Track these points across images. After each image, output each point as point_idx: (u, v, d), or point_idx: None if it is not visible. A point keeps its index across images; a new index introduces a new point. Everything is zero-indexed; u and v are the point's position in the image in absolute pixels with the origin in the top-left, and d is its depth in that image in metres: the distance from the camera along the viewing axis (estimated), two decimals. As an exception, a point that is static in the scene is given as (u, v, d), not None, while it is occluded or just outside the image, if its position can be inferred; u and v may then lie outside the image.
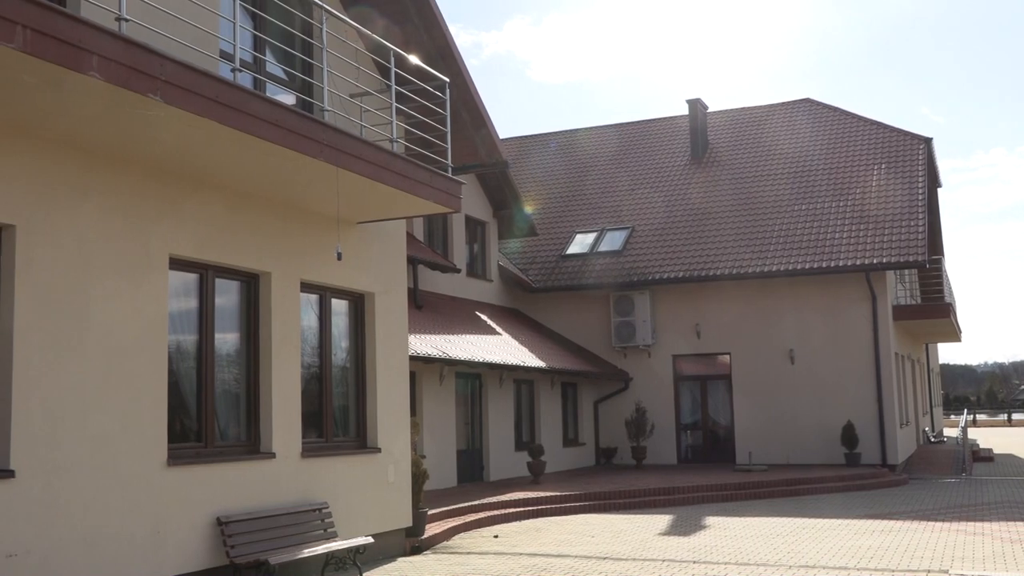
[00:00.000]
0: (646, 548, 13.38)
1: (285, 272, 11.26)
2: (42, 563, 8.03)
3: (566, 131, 35.97)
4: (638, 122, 35.05)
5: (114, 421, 8.83)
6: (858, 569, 11.25)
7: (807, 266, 25.24)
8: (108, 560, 8.66)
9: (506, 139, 35.00)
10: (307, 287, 11.81)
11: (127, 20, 7.59)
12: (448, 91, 12.39)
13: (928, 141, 28.95)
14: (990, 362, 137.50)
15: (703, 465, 26.18)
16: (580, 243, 29.31)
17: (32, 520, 7.96)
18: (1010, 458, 31.33)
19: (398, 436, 13.28)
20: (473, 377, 22.57)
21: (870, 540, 13.61)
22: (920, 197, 26.53)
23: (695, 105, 32.15)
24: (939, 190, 34.77)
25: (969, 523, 15.37)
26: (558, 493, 19.07)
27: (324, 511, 11.39)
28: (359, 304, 12.96)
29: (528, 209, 29.84)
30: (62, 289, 8.42)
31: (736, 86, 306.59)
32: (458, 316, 23.43)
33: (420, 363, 18.81)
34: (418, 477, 13.82)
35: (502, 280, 27.99)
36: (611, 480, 21.99)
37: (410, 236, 21.25)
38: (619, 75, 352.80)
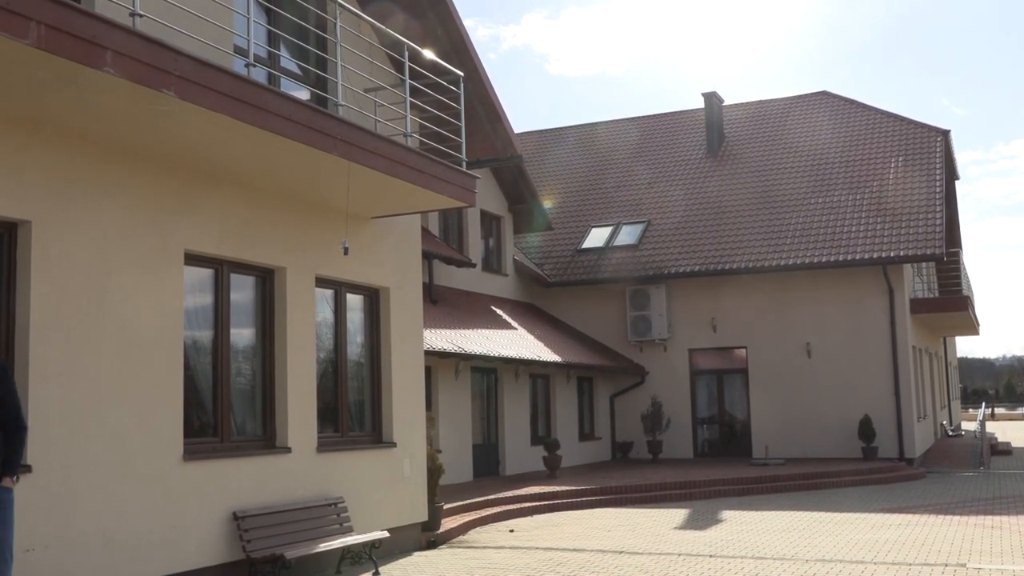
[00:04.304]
0: (662, 542, 13.36)
1: (300, 267, 11.27)
2: (59, 558, 8.07)
3: (582, 125, 35.95)
4: (654, 116, 34.98)
5: (130, 416, 8.86)
6: (875, 563, 11.21)
7: (824, 259, 25.15)
8: (125, 555, 8.69)
9: (522, 133, 34.95)
10: (322, 282, 11.82)
11: (141, 16, 7.60)
12: (463, 85, 12.37)
13: (946, 133, 28.79)
14: (1008, 355, 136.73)
15: (719, 459, 26.14)
16: (596, 237, 29.27)
17: (49, 515, 8.00)
18: (1029, 452, 31.16)
19: (414, 431, 13.29)
20: (489, 372, 22.58)
21: (887, 534, 13.55)
22: (938, 190, 26.39)
23: (711, 99, 32.06)
24: (958, 182, 34.61)
25: (987, 517, 15.29)
26: (574, 487, 19.07)
27: (340, 505, 11.41)
28: (374, 299, 12.97)
29: (549, 201, 29.94)
30: (78, 285, 8.45)
31: (754, 78, 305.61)
32: (473, 311, 23.44)
33: (436, 358, 18.82)
34: (434, 472, 13.83)
35: (518, 275, 27.98)
36: (627, 474, 21.97)
37: (425, 231, 21.27)
38: (636, 68, 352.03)
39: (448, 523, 14.49)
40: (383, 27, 11.41)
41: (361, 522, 11.73)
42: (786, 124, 31.76)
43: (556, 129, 36.05)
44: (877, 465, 22.96)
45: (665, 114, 34.94)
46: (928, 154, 28.09)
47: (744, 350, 26.82)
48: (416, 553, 12.86)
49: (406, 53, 11.37)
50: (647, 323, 27.12)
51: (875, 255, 24.68)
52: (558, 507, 17.81)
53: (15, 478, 6.42)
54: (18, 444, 6.52)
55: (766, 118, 32.45)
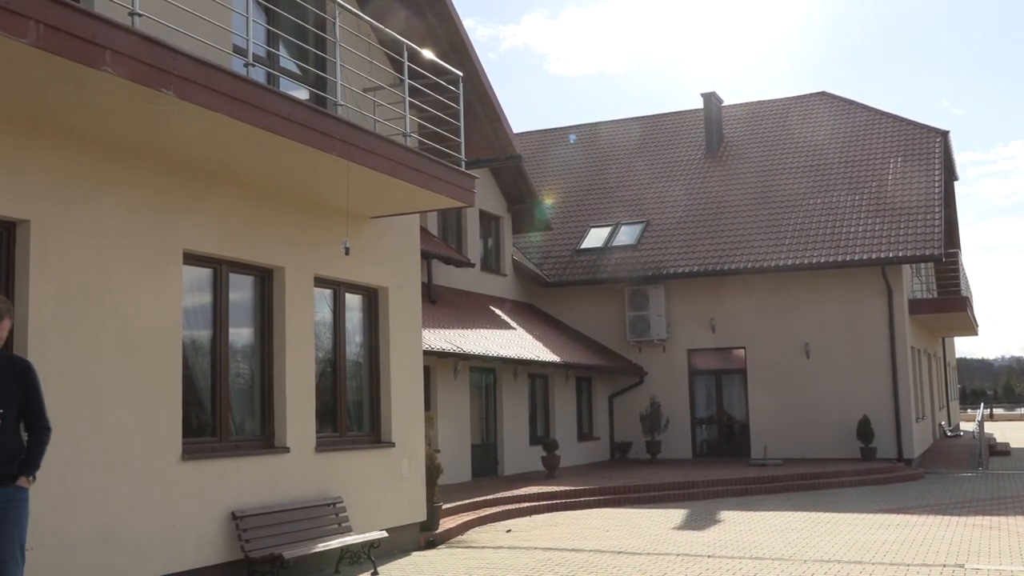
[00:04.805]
0: (661, 542, 13.37)
1: (299, 267, 11.27)
2: (58, 557, 8.07)
3: (581, 125, 35.94)
4: (653, 116, 34.98)
5: (129, 416, 8.86)
6: (873, 564, 11.21)
7: (823, 260, 25.15)
8: (124, 554, 8.69)
9: (522, 133, 34.96)
10: (321, 282, 11.82)
11: (140, 15, 7.60)
12: (462, 85, 12.37)
13: (945, 134, 28.81)
14: (1007, 356, 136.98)
15: (718, 459, 26.14)
16: (595, 237, 29.27)
17: (48, 514, 7.99)
18: (1027, 452, 31.18)
19: (412, 430, 13.29)
20: (487, 371, 22.58)
21: (885, 534, 13.56)
22: (937, 190, 26.40)
23: (710, 99, 32.07)
24: (957, 183, 34.64)
25: (985, 517, 15.30)
26: (573, 487, 19.07)
27: (338, 505, 11.41)
28: (373, 299, 12.96)
29: (549, 201, 30.00)
30: (77, 284, 8.45)
31: (753, 79, 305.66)
32: (472, 311, 23.44)
33: (434, 358, 18.82)
34: (432, 471, 13.83)
35: (516, 275, 27.98)
36: (626, 474, 21.97)
37: (424, 231, 21.27)
38: (636, 68, 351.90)
39: (446, 523, 14.49)
40: (382, 27, 11.42)
41: (360, 522, 11.73)
42: (785, 124, 31.76)
43: (555, 129, 36.03)
44: (876, 465, 22.96)
45: (664, 114, 34.94)
46: (927, 155, 28.10)
47: (743, 350, 26.82)
48: (415, 553, 12.86)
49: (405, 53, 11.37)
50: (646, 323, 27.13)
51: (874, 255, 24.68)
52: (557, 507, 17.81)
53: (30, 478, 6.40)
54: (40, 445, 6.49)
55: (765, 118, 32.46)
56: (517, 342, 22.85)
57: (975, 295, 40.22)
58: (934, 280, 34.23)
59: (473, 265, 24.44)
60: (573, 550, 12.83)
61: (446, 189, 11.46)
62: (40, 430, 6.48)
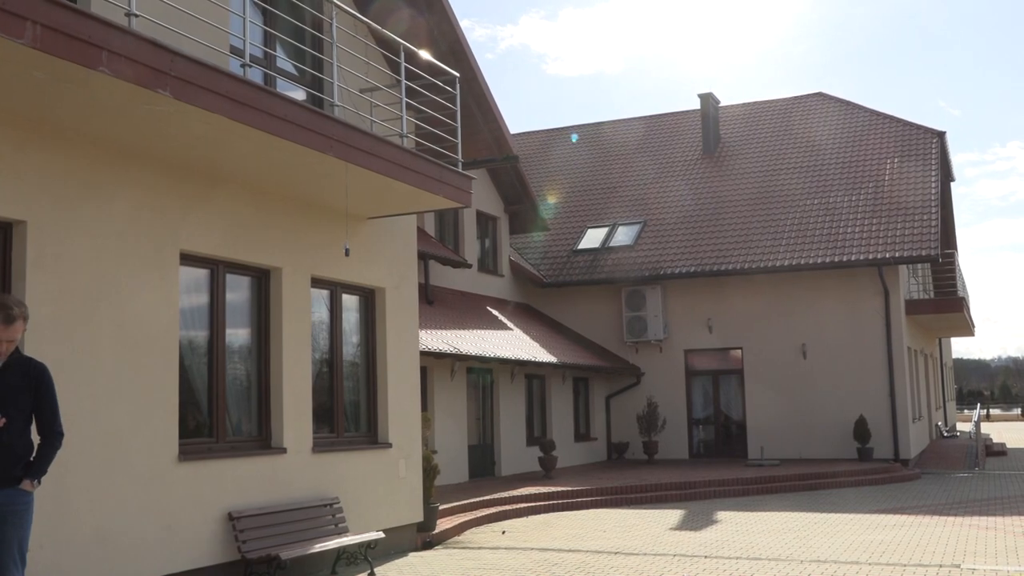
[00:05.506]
0: (657, 543, 13.38)
1: (296, 267, 11.27)
2: (55, 557, 8.07)
3: (579, 125, 35.95)
4: (650, 116, 35.00)
5: (126, 417, 8.86)
6: (870, 564, 11.23)
7: (820, 260, 25.17)
8: (120, 555, 8.69)
9: (519, 134, 34.99)
10: (318, 282, 11.82)
11: (137, 16, 7.60)
12: (459, 86, 12.37)
13: (941, 135, 28.84)
14: (1004, 356, 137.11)
15: (715, 460, 26.17)
16: (592, 238, 29.29)
17: (44, 515, 7.98)
18: (1023, 452, 31.24)
19: (409, 431, 13.29)
20: (484, 372, 22.58)
21: (882, 535, 13.58)
22: (933, 191, 26.43)
23: (707, 99, 32.10)
24: (954, 183, 34.68)
25: (981, 518, 15.32)
26: (570, 488, 19.08)
27: (335, 506, 11.41)
28: (370, 299, 12.97)
29: (552, 200, 30.03)
30: (74, 285, 8.45)
31: (750, 79, 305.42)
32: (469, 311, 23.44)
33: (431, 358, 18.83)
34: (429, 472, 13.84)
35: (513, 275, 27.99)
36: (623, 475, 21.99)
37: (421, 231, 21.26)
38: (634, 69, 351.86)
39: (443, 524, 14.49)
40: (379, 28, 11.42)
41: (356, 523, 11.74)
42: (782, 125, 31.79)
43: (553, 130, 36.03)
44: (872, 466, 22.98)
45: (662, 115, 34.95)
46: (924, 155, 28.13)
47: (740, 351, 26.84)
48: (411, 554, 12.86)
49: (402, 54, 11.38)
50: (643, 324, 27.14)
51: (871, 256, 24.69)
52: (554, 508, 17.81)
53: (35, 482, 6.36)
54: (49, 449, 6.43)
55: (762, 119, 32.49)
56: (514, 343, 22.86)
57: (972, 295, 40.31)
58: (931, 281, 34.27)
59: (470, 266, 24.44)
60: (570, 551, 12.84)
61: (443, 190, 11.46)
62: (51, 435, 6.44)
